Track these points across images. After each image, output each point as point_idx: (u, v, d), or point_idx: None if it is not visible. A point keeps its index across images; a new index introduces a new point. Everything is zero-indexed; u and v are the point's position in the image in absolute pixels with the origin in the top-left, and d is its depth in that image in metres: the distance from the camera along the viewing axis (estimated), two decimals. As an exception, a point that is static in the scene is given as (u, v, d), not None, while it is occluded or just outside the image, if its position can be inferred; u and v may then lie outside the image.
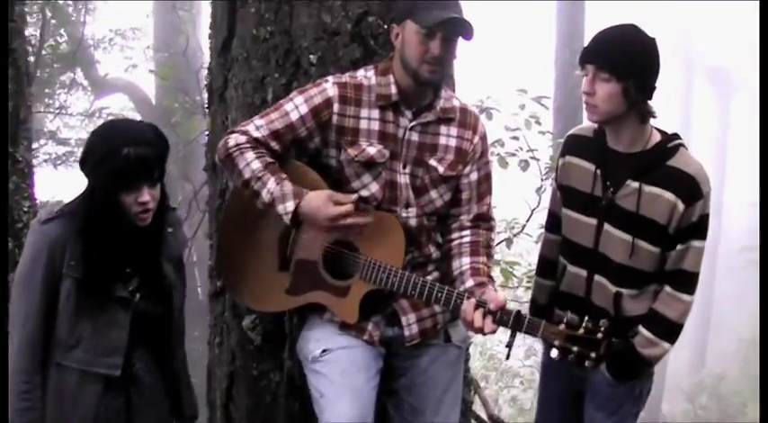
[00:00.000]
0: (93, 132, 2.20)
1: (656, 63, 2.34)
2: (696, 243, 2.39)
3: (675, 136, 2.43)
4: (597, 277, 2.48)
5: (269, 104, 2.70)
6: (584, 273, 2.51)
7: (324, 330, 2.40)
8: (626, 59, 2.28)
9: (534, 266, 5.99)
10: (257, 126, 2.31)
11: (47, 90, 9.38)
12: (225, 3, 2.85)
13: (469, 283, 2.34)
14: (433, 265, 2.49)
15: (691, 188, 2.34)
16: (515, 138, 4.98)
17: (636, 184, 2.38)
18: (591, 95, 2.33)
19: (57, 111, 9.46)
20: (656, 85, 2.35)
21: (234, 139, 2.30)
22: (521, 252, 7.25)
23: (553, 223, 2.67)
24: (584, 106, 2.43)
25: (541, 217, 5.88)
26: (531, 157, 5.03)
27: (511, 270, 5.62)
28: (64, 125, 10.36)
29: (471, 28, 2.23)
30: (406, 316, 2.40)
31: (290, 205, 2.22)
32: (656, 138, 2.42)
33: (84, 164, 2.16)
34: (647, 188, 2.36)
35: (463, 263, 2.41)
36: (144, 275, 2.27)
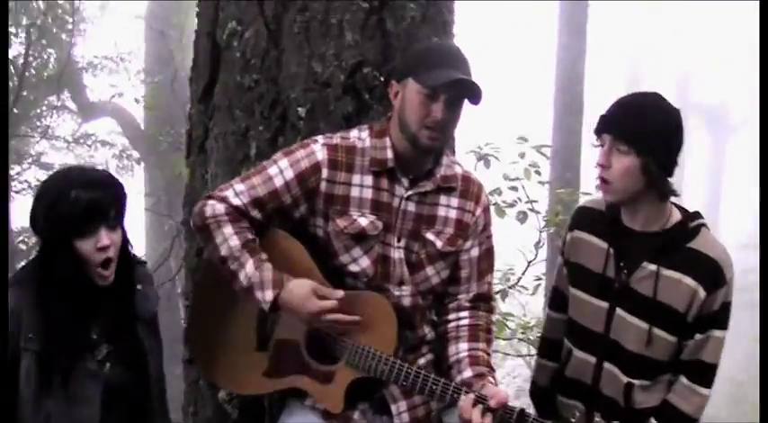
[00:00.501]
0: (42, 182, 2.03)
1: (681, 137, 2.12)
2: (717, 333, 2.17)
3: (697, 215, 2.22)
4: (607, 365, 2.26)
5: (251, 160, 2.47)
6: (592, 360, 2.29)
7: (305, 418, 2.15)
8: (647, 132, 2.07)
9: (529, 318, 5.73)
10: (237, 192, 2.08)
11: (33, 112, 9.12)
12: (208, 45, 2.62)
13: (467, 373, 2.10)
14: (426, 347, 2.25)
15: (713, 274, 2.13)
16: (514, 188, 4.74)
17: (653, 267, 2.16)
18: (606, 169, 2.11)
19: (41, 134, 9.18)
20: (679, 161, 2.14)
21: (211, 208, 2.07)
22: (514, 292, 7.04)
23: (558, 301, 2.45)
24: (596, 179, 2.19)
25: (537, 269, 5.70)
26: (531, 209, 4.79)
27: (505, 322, 5.40)
28: (51, 147, 10.11)
29: (479, 91, 2.00)
30: (396, 404, 2.15)
31: (269, 294, 2.00)
32: (677, 216, 2.20)
33: (35, 219, 1.96)
34: (666, 272, 2.15)
35: (460, 349, 2.17)
36: (114, 342, 2.03)
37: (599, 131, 2.13)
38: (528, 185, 4.93)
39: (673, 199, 2.19)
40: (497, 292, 5.09)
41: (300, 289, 2.00)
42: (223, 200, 2.07)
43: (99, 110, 10.17)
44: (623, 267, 2.21)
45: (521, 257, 5.61)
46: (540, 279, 5.83)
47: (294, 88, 2.42)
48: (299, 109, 2.41)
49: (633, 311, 2.19)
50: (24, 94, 8.12)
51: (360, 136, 2.14)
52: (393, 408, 2.15)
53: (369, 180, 2.10)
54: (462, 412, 1.95)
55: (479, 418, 1.92)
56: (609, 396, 2.26)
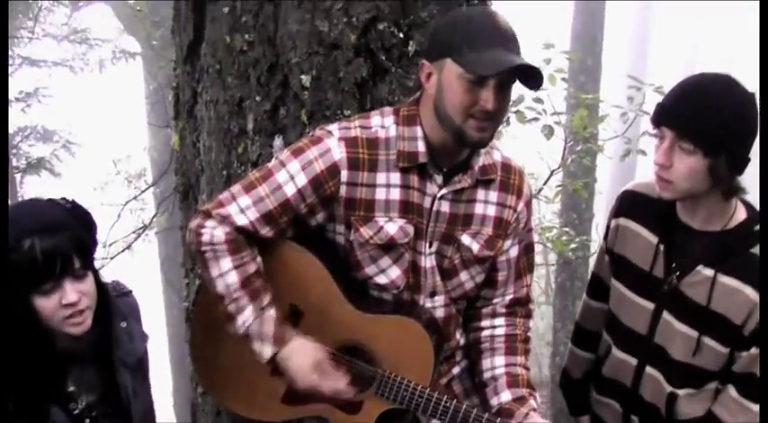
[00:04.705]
0: None
1: (755, 128, 1.77)
2: None
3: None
4: (649, 370, 2.03)
5: (249, 135, 2.12)
6: (633, 362, 2.05)
7: None
8: (718, 131, 1.72)
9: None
10: (242, 208, 1.73)
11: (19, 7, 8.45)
12: (189, -6, 2.20)
13: (505, 396, 1.86)
14: (460, 354, 2.01)
15: None
16: (539, 100, 4.33)
17: (709, 273, 1.87)
18: (666, 168, 1.78)
19: (30, 33, 8.53)
20: (750, 156, 1.79)
21: (209, 234, 1.73)
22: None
23: (597, 289, 2.19)
24: (655, 172, 1.85)
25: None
26: (557, 122, 4.40)
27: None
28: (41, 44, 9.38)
29: (540, 77, 1.62)
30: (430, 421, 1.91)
31: (268, 351, 1.74)
32: (741, 215, 1.89)
33: None
34: (724, 279, 1.86)
35: (496, 364, 1.92)
36: (94, 392, 1.74)
37: (658, 123, 1.78)
38: (552, 93, 4.52)
39: None
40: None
41: (302, 358, 1.73)
42: (224, 220, 1.73)
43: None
44: (675, 269, 1.93)
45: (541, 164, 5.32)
46: (561, 186, 5.54)
47: (295, 51, 2.02)
48: (303, 76, 2.02)
49: (682, 318, 1.93)
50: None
51: (383, 123, 1.77)
52: None
53: (396, 178, 1.75)
54: None
55: None
56: (649, 402, 2.04)
